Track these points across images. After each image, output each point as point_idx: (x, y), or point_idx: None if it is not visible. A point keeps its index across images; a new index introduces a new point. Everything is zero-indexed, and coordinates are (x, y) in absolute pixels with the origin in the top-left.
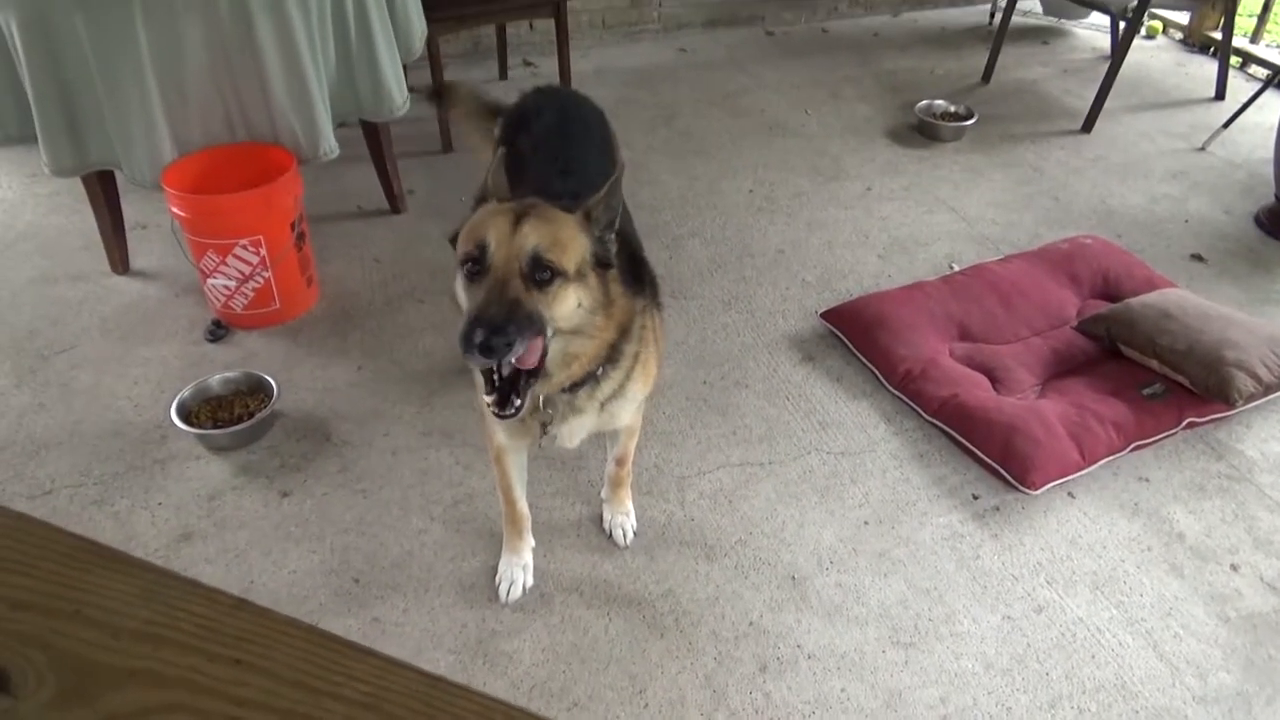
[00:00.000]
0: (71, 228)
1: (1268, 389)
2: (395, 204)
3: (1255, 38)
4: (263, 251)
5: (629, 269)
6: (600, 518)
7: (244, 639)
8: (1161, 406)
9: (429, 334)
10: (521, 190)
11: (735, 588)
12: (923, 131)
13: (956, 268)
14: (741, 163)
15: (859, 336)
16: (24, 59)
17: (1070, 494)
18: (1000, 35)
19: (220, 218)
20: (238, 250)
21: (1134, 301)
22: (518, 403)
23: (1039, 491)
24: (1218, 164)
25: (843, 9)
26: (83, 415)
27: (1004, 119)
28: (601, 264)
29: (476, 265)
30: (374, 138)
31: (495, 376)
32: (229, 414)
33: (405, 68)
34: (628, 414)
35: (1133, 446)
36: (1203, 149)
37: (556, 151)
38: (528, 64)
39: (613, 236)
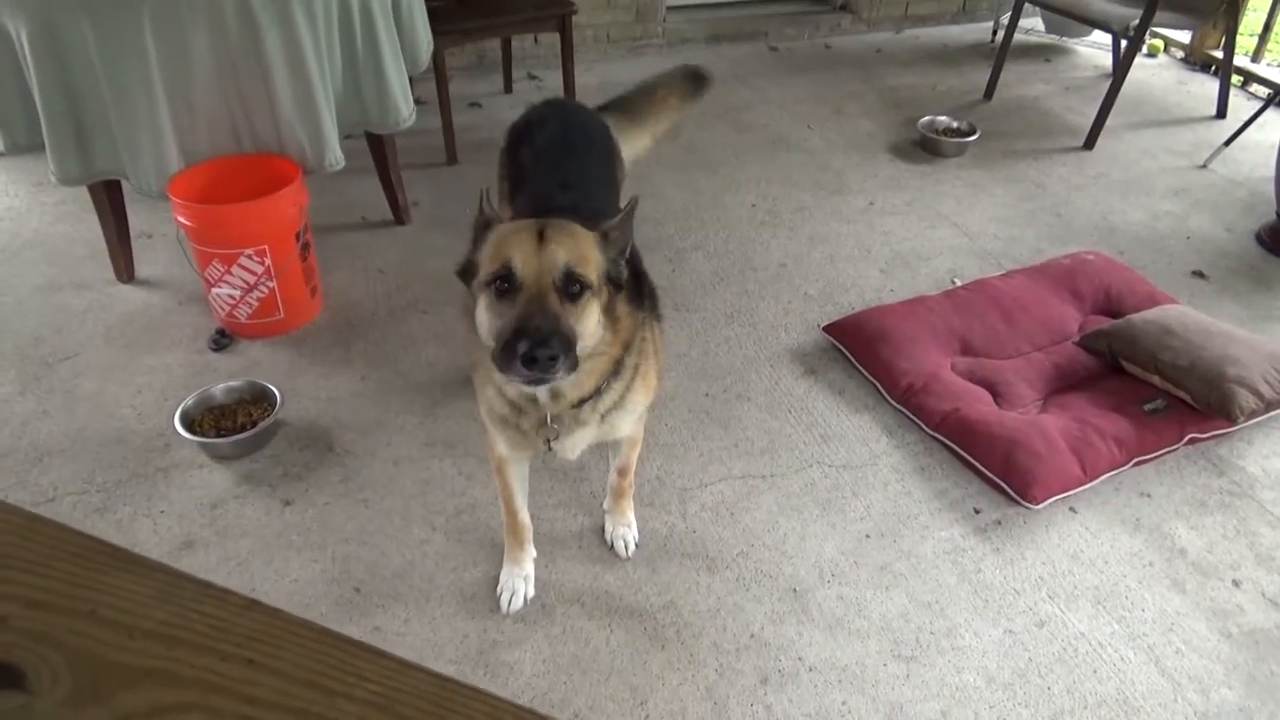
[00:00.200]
0: (77, 236)
1: (1269, 405)
2: (400, 215)
3: (1256, 57)
4: (267, 261)
5: (630, 282)
6: (602, 529)
7: (256, 639)
8: (1163, 422)
9: (432, 345)
10: (522, 200)
11: (737, 600)
12: (925, 147)
13: (958, 282)
14: (744, 177)
15: (861, 350)
16: (32, 67)
17: (1072, 509)
18: (1002, 52)
19: (225, 227)
20: (243, 260)
21: (1136, 317)
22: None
23: (1040, 506)
24: (1219, 182)
25: (846, 25)
26: (86, 423)
27: (1006, 135)
28: (613, 282)
29: (505, 283)
30: (379, 149)
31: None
32: (232, 423)
33: (411, 80)
34: (628, 425)
35: (1134, 462)
36: (1204, 167)
37: (557, 164)
38: (532, 77)
39: (624, 262)
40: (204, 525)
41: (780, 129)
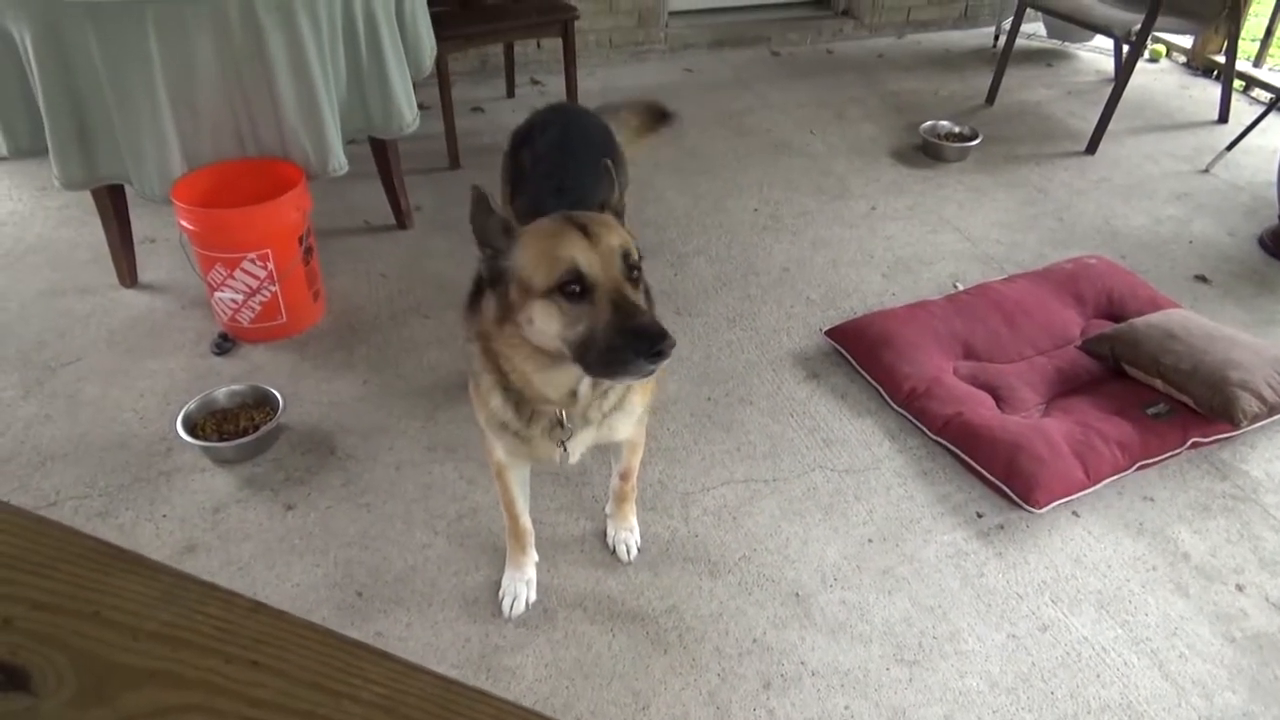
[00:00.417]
0: (80, 241)
1: (1272, 409)
2: (402, 220)
3: (1258, 61)
4: (270, 266)
5: None
6: (604, 533)
7: (261, 641)
8: (1166, 426)
9: (434, 349)
10: (521, 202)
11: (739, 604)
12: (927, 152)
13: (961, 287)
14: (747, 181)
15: (863, 354)
16: (36, 71)
17: (1075, 513)
18: (1004, 57)
19: (228, 232)
20: (245, 264)
21: (1138, 321)
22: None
23: (1043, 510)
24: (1221, 186)
25: (848, 31)
26: (89, 427)
27: (1008, 140)
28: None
29: (576, 285)
30: (382, 154)
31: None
32: (234, 427)
33: (414, 84)
34: (627, 427)
35: (1137, 466)
36: (1206, 171)
37: (554, 167)
38: (535, 82)
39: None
40: (206, 529)
41: (782, 134)
